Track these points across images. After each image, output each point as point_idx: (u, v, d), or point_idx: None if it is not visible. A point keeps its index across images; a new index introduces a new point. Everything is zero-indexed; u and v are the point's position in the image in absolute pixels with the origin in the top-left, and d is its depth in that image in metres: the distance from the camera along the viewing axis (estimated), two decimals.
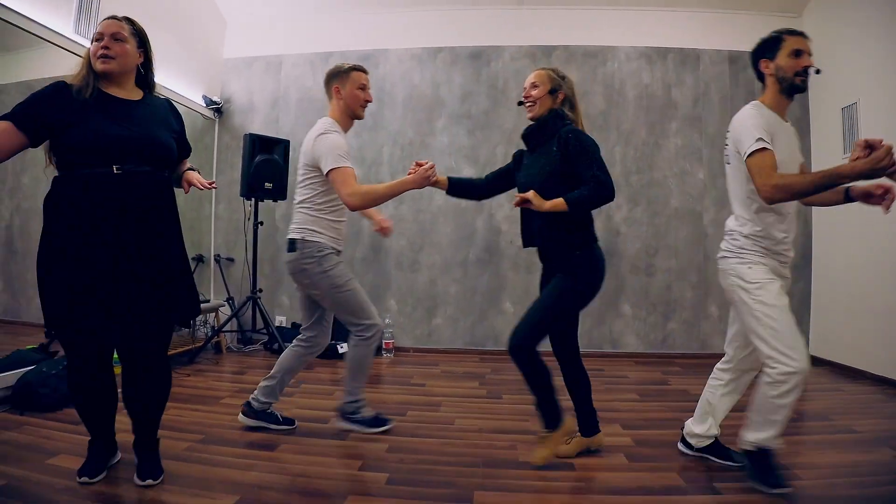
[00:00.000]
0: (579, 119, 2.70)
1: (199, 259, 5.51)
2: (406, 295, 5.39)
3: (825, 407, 3.81)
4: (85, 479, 2.16)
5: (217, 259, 5.62)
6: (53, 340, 3.70)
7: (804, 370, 2.10)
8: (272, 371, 2.98)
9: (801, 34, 2.34)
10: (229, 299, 5.47)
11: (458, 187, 2.87)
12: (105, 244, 2.03)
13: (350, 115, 2.89)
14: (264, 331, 5.19)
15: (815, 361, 5.10)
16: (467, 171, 5.34)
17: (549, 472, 2.48)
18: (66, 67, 3.77)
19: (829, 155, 5.05)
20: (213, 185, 2.43)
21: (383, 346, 5.10)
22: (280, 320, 5.52)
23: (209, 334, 5.11)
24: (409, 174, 2.61)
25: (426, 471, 2.48)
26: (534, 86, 2.62)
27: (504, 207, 5.30)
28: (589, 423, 2.69)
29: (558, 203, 2.34)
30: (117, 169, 2.05)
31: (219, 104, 5.65)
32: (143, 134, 2.13)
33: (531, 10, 5.45)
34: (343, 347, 4.93)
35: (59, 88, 2.06)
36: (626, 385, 4.16)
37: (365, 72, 2.87)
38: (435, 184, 2.69)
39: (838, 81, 4.96)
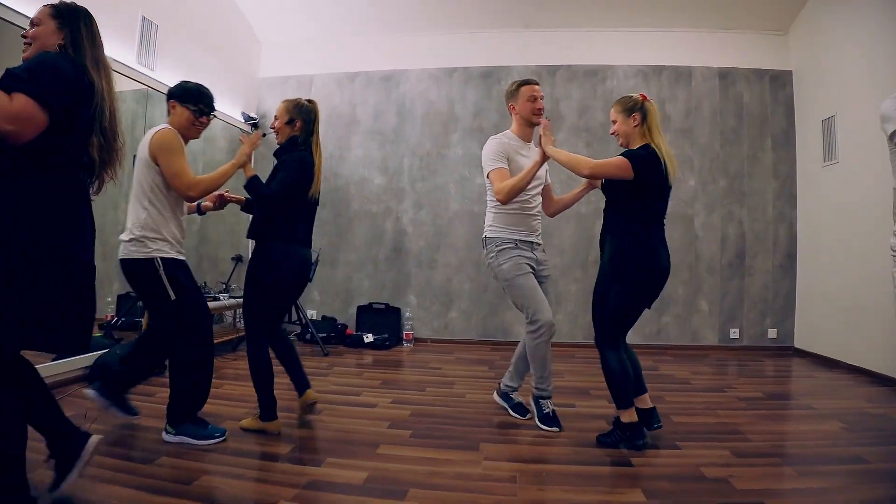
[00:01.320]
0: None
1: (238, 259, 6.12)
2: (424, 291, 5.99)
3: (793, 390, 4.33)
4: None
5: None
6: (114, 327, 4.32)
7: None
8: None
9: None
10: None
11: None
12: None
13: None
14: (297, 322, 5.80)
15: (798, 353, 5.63)
16: (480, 180, 5.91)
17: (541, 431, 3.05)
18: (130, 95, 4.42)
19: (811, 162, 5.55)
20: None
21: (404, 337, 5.71)
22: (311, 313, 6.13)
23: None
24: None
25: (441, 429, 3.07)
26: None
27: None
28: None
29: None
30: None
31: (255, 119, 6.28)
32: None
33: (536, 33, 6.01)
34: (369, 338, 5.53)
35: None
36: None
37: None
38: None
39: (819, 95, 5.45)
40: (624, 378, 2.81)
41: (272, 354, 3.05)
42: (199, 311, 2.83)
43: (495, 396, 3.45)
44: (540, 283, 3.15)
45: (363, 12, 5.99)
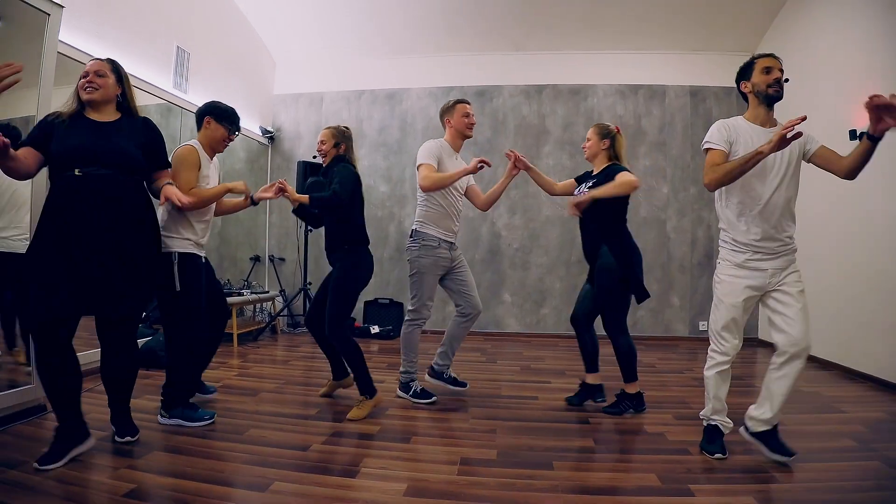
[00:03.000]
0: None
1: (256, 259, 6.79)
2: None
3: (745, 373, 4.97)
4: (46, 466, 2.35)
5: (271, 259, 6.91)
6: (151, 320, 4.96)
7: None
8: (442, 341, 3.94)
9: (770, 55, 2.81)
10: (282, 291, 6.73)
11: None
12: (75, 236, 2.39)
13: None
14: None
15: (761, 343, 6.27)
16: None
17: (519, 400, 3.72)
18: (167, 113, 5.01)
19: None
20: (187, 205, 2.66)
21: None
22: None
23: (267, 319, 6.41)
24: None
25: (438, 398, 3.72)
26: None
27: (503, 217, 6.55)
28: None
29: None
30: (78, 172, 2.41)
31: (272, 133, 6.95)
32: (104, 143, 2.48)
33: (525, 55, 6.67)
34: (375, 329, 6.19)
35: (47, 117, 2.53)
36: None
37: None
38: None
39: (779, 112, 6.02)
40: (634, 357, 3.47)
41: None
42: (194, 313, 3.03)
43: (427, 377, 3.89)
44: (461, 274, 3.88)
45: (370, 35, 6.65)
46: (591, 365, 3.66)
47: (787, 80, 2.77)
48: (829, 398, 3.96)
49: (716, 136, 2.75)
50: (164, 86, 5.06)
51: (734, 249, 2.76)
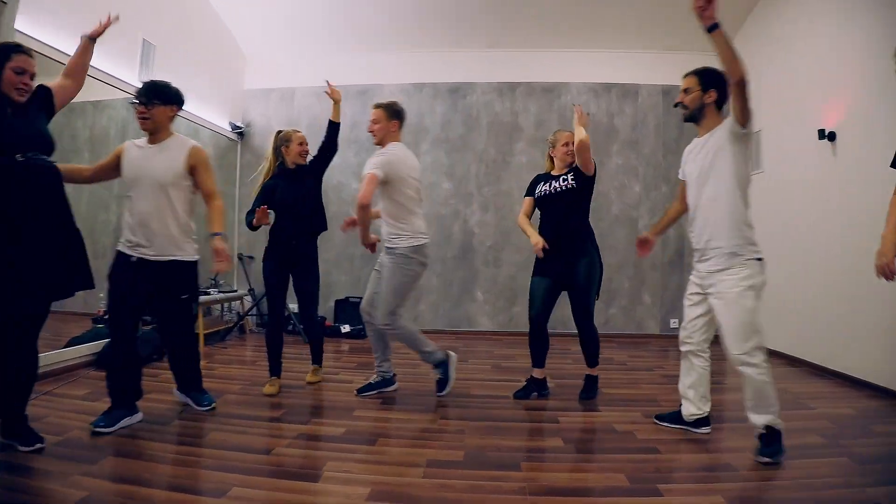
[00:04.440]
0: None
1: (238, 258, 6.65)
2: None
3: (714, 370, 4.96)
4: None
5: (240, 257, 6.76)
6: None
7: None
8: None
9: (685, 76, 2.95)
10: (250, 290, 6.59)
11: None
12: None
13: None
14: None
15: None
16: (445, 185, 6.54)
17: (489, 399, 3.67)
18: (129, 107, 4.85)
19: None
20: None
21: None
22: (293, 307, 6.67)
23: (235, 319, 6.28)
24: None
25: (406, 398, 3.70)
26: None
27: (476, 214, 6.51)
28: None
29: None
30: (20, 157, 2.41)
31: (241, 128, 6.81)
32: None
33: (499, 52, 6.64)
34: (346, 328, 6.10)
35: None
36: (573, 355, 5.31)
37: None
38: None
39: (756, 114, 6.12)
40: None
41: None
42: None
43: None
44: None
45: (342, 30, 6.55)
46: (543, 360, 3.78)
47: (675, 105, 3.00)
48: (797, 394, 3.99)
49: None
50: (130, 79, 4.91)
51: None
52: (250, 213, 3.83)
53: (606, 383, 4.08)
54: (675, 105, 2.97)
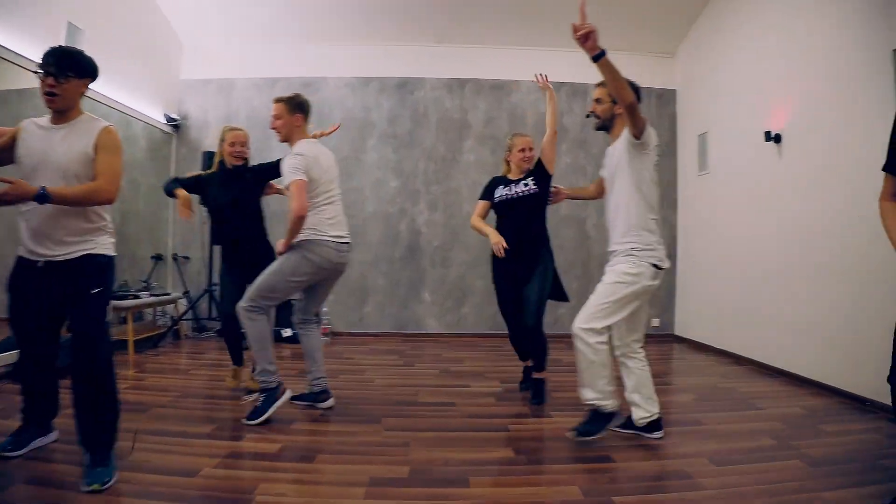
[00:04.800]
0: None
1: (158, 258, 6.26)
2: (340, 286, 6.28)
3: (665, 370, 4.97)
4: None
5: (175, 257, 6.39)
6: None
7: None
8: None
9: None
10: (186, 293, 6.24)
11: None
12: None
13: None
14: (218, 319, 6.00)
15: (677, 339, 6.36)
16: (393, 182, 6.33)
17: (436, 407, 3.50)
18: None
19: (689, 172, 6.29)
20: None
21: (321, 332, 6.01)
22: None
23: (169, 324, 5.90)
24: None
25: (349, 408, 3.46)
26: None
27: (423, 214, 6.33)
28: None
29: None
30: None
31: (177, 121, 6.42)
32: None
33: (448, 48, 6.47)
34: (287, 332, 5.81)
35: None
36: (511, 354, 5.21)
37: None
38: None
39: (696, 112, 6.19)
40: None
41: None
42: None
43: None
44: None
45: (285, 20, 6.25)
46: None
47: (588, 115, 3.07)
48: (745, 394, 3.99)
49: None
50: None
51: None
52: (173, 182, 3.63)
53: (557, 386, 3.97)
54: (588, 115, 3.04)
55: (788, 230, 4.62)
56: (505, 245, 3.42)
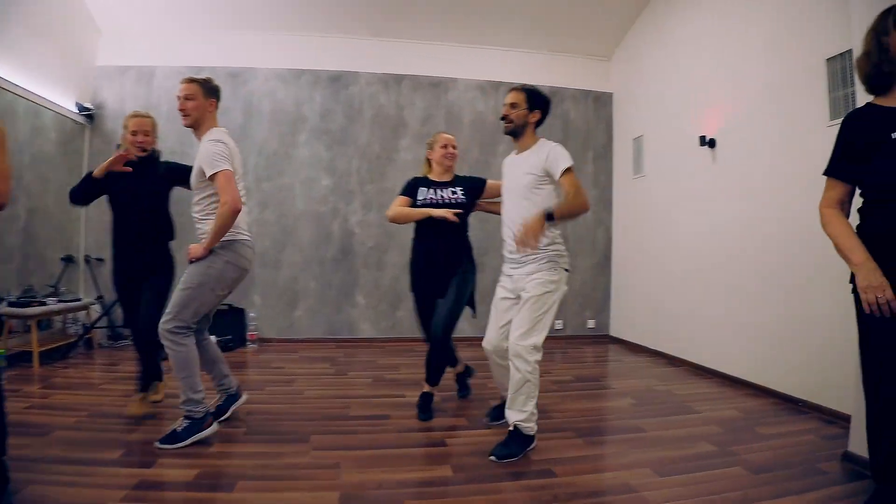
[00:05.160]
0: None
1: (69, 259, 5.74)
2: (269, 290, 6.00)
3: (600, 373, 4.94)
4: None
5: (87, 260, 5.89)
6: None
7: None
8: None
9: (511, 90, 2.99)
10: (99, 298, 5.75)
11: None
12: None
13: None
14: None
15: (613, 340, 6.38)
16: (325, 181, 6.05)
17: (369, 421, 3.29)
18: None
19: (624, 174, 6.32)
20: None
21: (249, 338, 5.69)
22: None
23: (80, 332, 5.42)
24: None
25: (275, 425, 3.20)
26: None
27: (357, 213, 6.09)
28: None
29: None
30: None
31: (91, 110, 5.92)
32: None
33: (385, 42, 6.25)
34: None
35: None
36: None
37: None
38: None
39: (632, 116, 6.21)
40: None
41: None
42: None
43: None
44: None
45: (213, 5, 5.85)
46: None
47: (502, 118, 2.97)
48: (682, 397, 3.99)
49: None
50: None
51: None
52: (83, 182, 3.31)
53: (493, 394, 3.85)
54: (502, 118, 2.95)
55: (721, 233, 4.66)
56: (453, 213, 3.28)
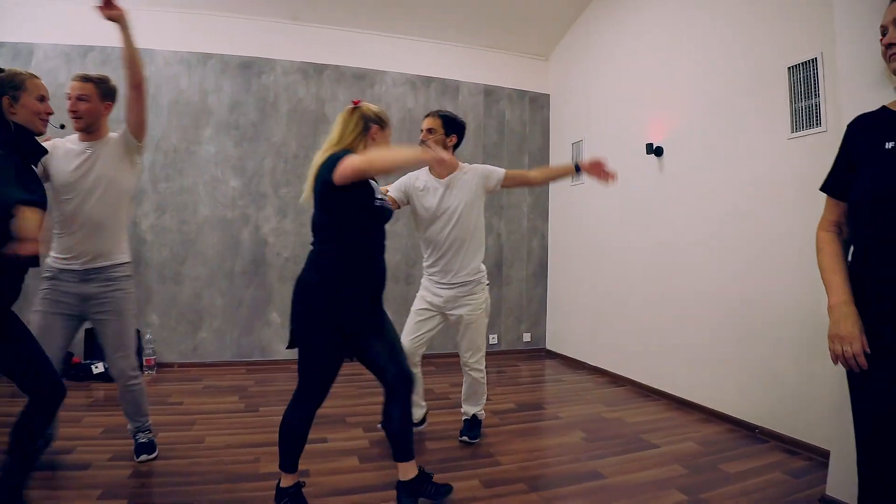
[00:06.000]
0: None
1: None
2: (169, 308, 5.18)
3: (543, 398, 4.54)
4: None
5: None
6: None
7: None
8: None
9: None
10: None
11: None
12: None
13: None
14: None
15: (549, 354, 6.06)
16: (234, 182, 5.32)
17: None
18: None
19: (561, 181, 5.98)
20: None
21: (144, 363, 4.87)
22: None
23: None
24: None
25: (167, 493, 2.55)
26: None
27: (271, 220, 5.40)
28: None
29: None
30: None
31: None
32: None
33: (304, 27, 5.59)
34: (99, 367, 4.63)
35: None
36: (377, 387, 4.52)
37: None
38: None
39: (571, 119, 5.90)
40: None
41: None
42: None
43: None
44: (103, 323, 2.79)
45: None
46: None
47: (421, 143, 2.99)
48: (634, 426, 3.70)
49: None
50: None
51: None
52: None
53: (436, 433, 3.42)
54: (421, 143, 2.97)
55: (667, 245, 4.42)
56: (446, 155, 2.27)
